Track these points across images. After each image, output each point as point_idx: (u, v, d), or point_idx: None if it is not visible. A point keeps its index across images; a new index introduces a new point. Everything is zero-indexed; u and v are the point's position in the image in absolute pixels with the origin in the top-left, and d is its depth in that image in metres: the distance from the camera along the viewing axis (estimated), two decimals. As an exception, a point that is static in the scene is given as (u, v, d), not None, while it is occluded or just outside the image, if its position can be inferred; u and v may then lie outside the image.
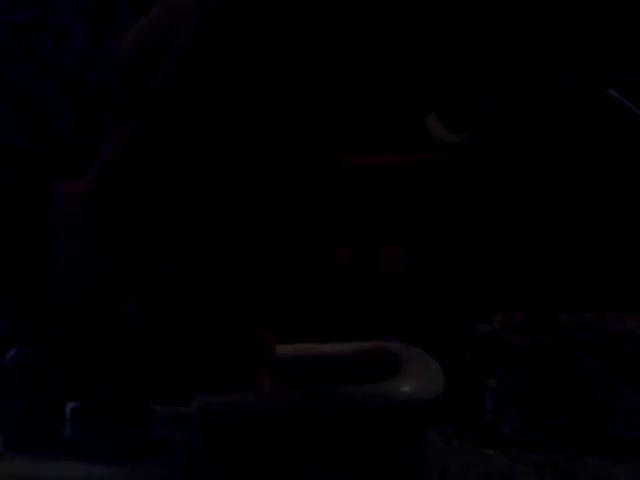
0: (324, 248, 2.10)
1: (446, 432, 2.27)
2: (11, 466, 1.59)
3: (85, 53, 3.19)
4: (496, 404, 2.30)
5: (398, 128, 1.33)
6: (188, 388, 1.40)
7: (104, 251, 1.19)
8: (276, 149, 1.08)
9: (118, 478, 1.57)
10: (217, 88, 1.05)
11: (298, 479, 1.42)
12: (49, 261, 2.39)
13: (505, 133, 2.80)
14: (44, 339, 1.74)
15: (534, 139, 2.80)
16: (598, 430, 2.18)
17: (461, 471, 2.05)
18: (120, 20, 3.10)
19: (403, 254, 2.47)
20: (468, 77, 1.13)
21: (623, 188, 2.73)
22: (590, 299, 2.55)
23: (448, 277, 2.69)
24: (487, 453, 2.17)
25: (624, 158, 2.71)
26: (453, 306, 2.59)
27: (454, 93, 1.15)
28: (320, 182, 1.18)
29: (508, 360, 2.37)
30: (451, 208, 2.72)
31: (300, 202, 1.18)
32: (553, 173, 2.77)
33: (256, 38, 1.03)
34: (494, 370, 2.37)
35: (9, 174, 2.89)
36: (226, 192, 1.10)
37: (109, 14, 3.09)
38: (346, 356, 1.82)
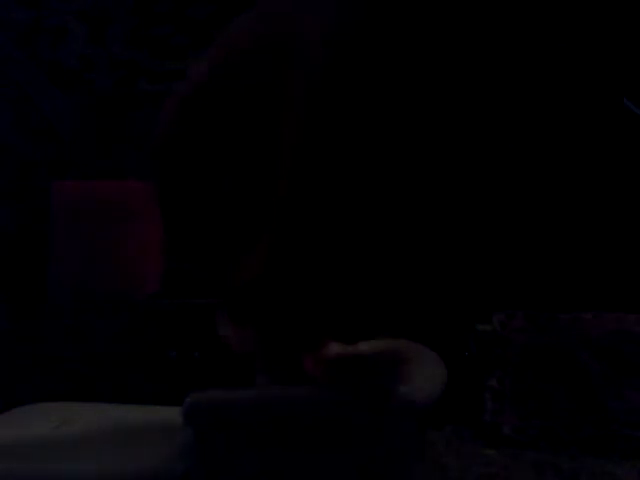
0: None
1: (446, 432, 2.28)
2: (11, 464, 1.59)
3: (84, 53, 3.19)
4: (496, 404, 2.30)
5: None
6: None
7: None
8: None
9: (120, 477, 1.58)
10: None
11: (288, 474, 1.43)
12: (49, 260, 2.39)
13: (505, 136, 2.80)
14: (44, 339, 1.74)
15: (534, 140, 2.80)
16: (598, 430, 2.19)
17: (461, 471, 2.05)
18: (120, 20, 3.10)
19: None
20: None
21: (623, 189, 2.73)
22: (590, 299, 2.55)
23: (449, 277, 2.70)
24: (487, 453, 2.17)
25: (624, 159, 2.71)
26: (453, 306, 2.59)
27: None
28: None
29: (508, 360, 2.38)
30: (451, 209, 2.73)
31: None
32: (554, 174, 2.77)
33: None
34: (494, 370, 2.37)
35: (9, 174, 2.89)
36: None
37: (109, 14, 3.10)
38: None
